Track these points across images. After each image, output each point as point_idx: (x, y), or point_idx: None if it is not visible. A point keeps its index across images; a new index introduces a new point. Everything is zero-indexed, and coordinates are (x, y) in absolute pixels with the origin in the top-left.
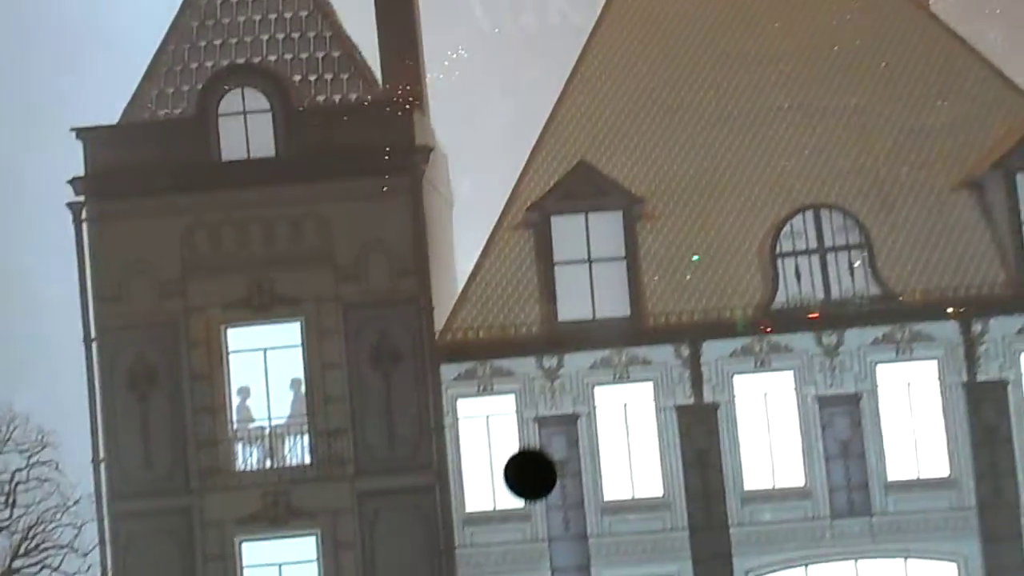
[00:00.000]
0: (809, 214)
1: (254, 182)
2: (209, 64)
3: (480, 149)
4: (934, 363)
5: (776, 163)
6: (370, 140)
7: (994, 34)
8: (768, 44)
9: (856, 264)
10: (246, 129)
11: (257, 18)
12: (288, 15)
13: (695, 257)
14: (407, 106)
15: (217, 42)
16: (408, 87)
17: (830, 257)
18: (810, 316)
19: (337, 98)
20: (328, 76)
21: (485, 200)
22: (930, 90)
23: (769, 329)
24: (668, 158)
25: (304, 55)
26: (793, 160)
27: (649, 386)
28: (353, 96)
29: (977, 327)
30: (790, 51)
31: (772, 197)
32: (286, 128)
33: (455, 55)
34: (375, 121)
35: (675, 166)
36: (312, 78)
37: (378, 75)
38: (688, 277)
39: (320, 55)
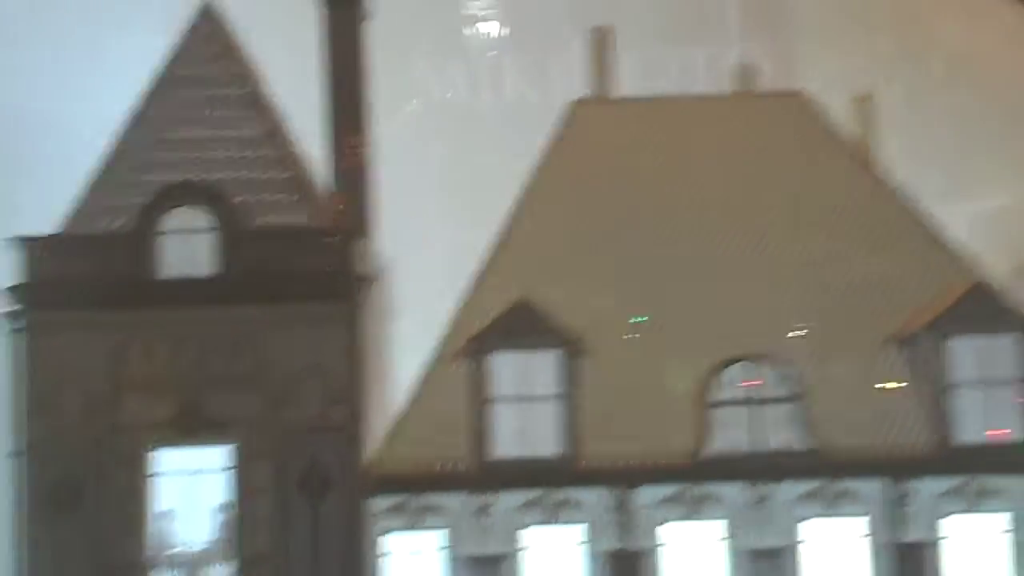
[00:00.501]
0: (743, 365)
1: (191, 301)
2: (155, 179)
3: (426, 272)
4: (861, 520)
5: (714, 309)
6: (311, 265)
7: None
8: (711, 190)
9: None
10: (187, 247)
11: (207, 135)
12: (238, 134)
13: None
14: (351, 233)
15: (163, 156)
16: (355, 213)
17: (763, 410)
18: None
19: (281, 221)
20: (274, 198)
21: (427, 325)
22: (866, 244)
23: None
24: (608, 297)
25: (251, 175)
26: (730, 307)
27: (579, 529)
28: (298, 220)
29: (904, 487)
30: (732, 198)
31: (709, 343)
32: (227, 249)
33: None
34: (318, 246)
35: (615, 306)
36: (258, 199)
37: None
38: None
39: (267, 176)
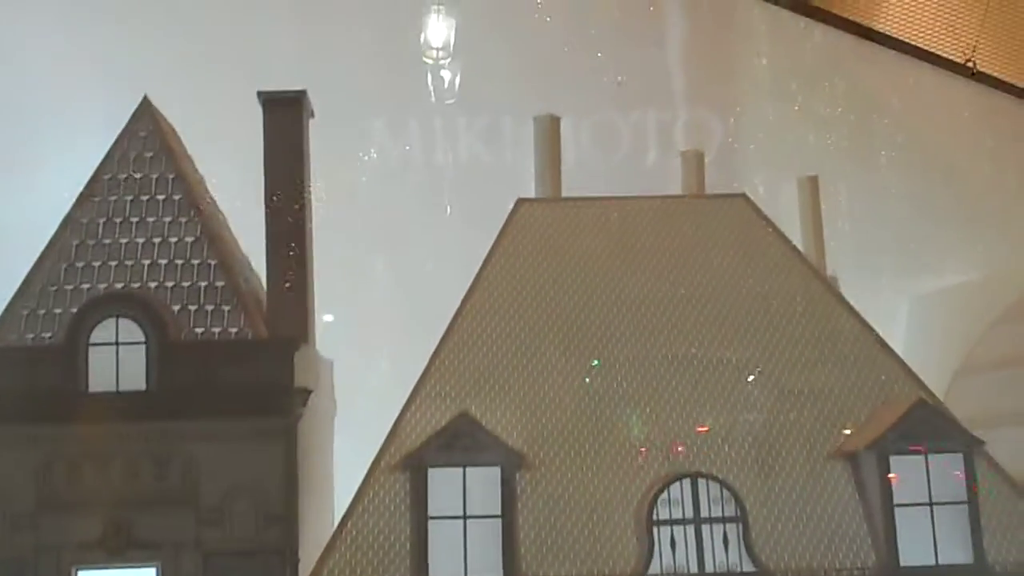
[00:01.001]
0: (687, 482)
1: (120, 417)
2: (86, 287)
3: (368, 380)
4: None
5: (658, 420)
6: (247, 378)
7: None
8: (654, 295)
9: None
10: (117, 361)
11: (141, 241)
12: (173, 240)
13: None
14: (289, 343)
15: (96, 264)
16: (294, 322)
17: (705, 529)
18: None
19: (217, 331)
20: (209, 307)
21: (369, 438)
22: (810, 352)
23: None
24: (551, 408)
25: (187, 283)
26: (674, 418)
27: None
28: (233, 330)
29: None
30: (678, 300)
31: (652, 458)
32: (159, 362)
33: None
34: (254, 358)
35: (558, 417)
36: (192, 308)
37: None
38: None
39: (203, 284)
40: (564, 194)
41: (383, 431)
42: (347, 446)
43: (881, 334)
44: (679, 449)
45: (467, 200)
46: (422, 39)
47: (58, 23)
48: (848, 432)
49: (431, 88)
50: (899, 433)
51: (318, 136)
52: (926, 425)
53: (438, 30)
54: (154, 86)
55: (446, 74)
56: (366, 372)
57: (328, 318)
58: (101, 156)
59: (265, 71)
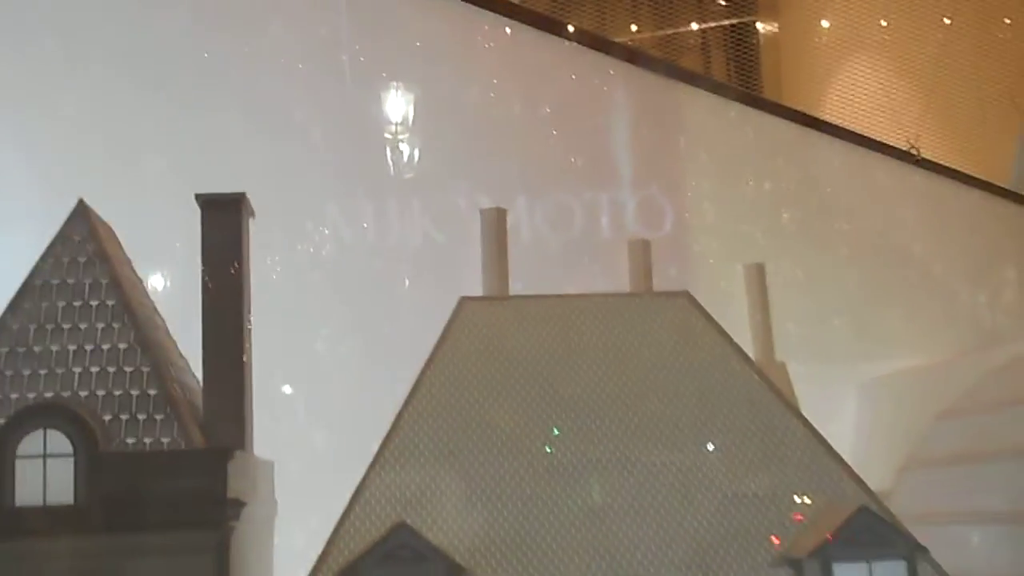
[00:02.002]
0: None
1: (49, 531)
2: (14, 396)
3: (308, 485)
4: None
5: (595, 526)
6: (178, 490)
7: None
8: (600, 391)
9: None
10: (44, 474)
11: (72, 348)
12: (106, 347)
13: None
14: (224, 453)
15: (26, 372)
16: (229, 431)
17: None
18: None
19: (148, 441)
20: (141, 416)
21: (309, 545)
22: (752, 455)
23: None
24: (493, 514)
25: (118, 392)
26: (604, 524)
27: None
28: (166, 440)
29: None
30: (620, 401)
31: (591, 565)
32: (87, 474)
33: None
34: (186, 469)
35: (499, 523)
36: (124, 417)
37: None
38: None
39: (135, 393)
40: (515, 271)
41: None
42: (292, 552)
43: (830, 422)
44: (615, 560)
45: (422, 283)
46: (382, 114)
47: None
48: (791, 539)
49: (389, 163)
50: (842, 540)
51: (269, 218)
52: (869, 532)
53: (396, 105)
54: (91, 186)
55: (404, 148)
56: (308, 476)
57: (287, 390)
58: (34, 260)
59: (208, 164)
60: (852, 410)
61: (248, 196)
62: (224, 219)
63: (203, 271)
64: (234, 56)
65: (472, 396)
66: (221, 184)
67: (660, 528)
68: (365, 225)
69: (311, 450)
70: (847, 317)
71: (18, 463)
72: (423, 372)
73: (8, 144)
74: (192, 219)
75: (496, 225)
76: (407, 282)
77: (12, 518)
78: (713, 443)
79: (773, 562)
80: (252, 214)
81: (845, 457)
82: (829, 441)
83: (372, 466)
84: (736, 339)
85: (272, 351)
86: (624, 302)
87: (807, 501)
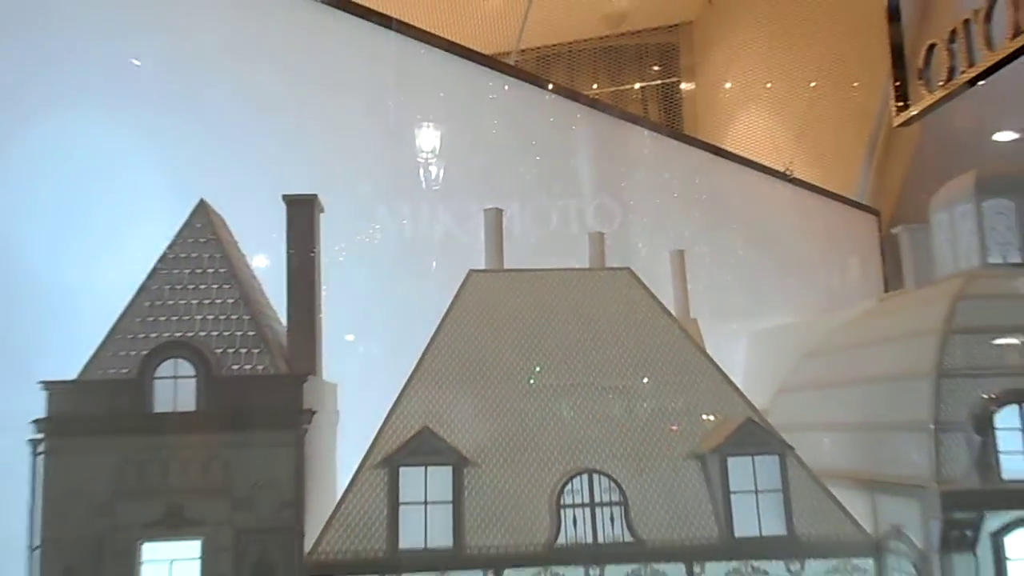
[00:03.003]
0: (584, 477)
1: (176, 431)
2: (153, 335)
3: (361, 400)
4: None
5: (563, 438)
6: (268, 401)
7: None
8: (565, 339)
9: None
10: (175, 390)
11: (194, 302)
12: (219, 301)
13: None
14: (300, 377)
15: (162, 318)
16: (305, 361)
17: (598, 510)
18: None
19: (248, 368)
20: (243, 351)
21: (359, 444)
22: (672, 384)
23: None
24: (491, 423)
25: (226, 333)
26: (574, 436)
27: None
28: (260, 367)
29: (697, 568)
30: (579, 346)
31: (559, 462)
32: (205, 391)
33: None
34: (274, 388)
35: (495, 429)
36: (231, 351)
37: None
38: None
39: (239, 334)
40: (509, 261)
41: (374, 430)
42: (349, 447)
43: (728, 361)
44: (578, 456)
45: (445, 262)
46: (416, 144)
47: (135, 135)
48: (697, 442)
49: (422, 179)
50: (733, 441)
51: (336, 215)
52: (752, 436)
53: (428, 137)
54: (208, 188)
55: (432, 168)
56: (362, 393)
57: (350, 337)
58: (167, 241)
59: (292, 174)
60: (743, 353)
61: (319, 198)
62: (303, 214)
63: (287, 251)
64: (318, 101)
65: (476, 340)
66: (301, 187)
67: (608, 433)
68: (404, 222)
69: (363, 377)
70: (741, 287)
71: (156, 382)
72: (441, 322)
73: (150, 155)
74: (281, 213)
75: (495, 222)
76: (434, 263)
77: (152, 420)
78: (647, 375)
79: (686, 456)
80: (322, 210)
81: (738, 385)
82: (727, 374)
83: (404, 389)
84: (663, 302)
85: (338, 309)
86: (585, 275)
87: (711, 416)
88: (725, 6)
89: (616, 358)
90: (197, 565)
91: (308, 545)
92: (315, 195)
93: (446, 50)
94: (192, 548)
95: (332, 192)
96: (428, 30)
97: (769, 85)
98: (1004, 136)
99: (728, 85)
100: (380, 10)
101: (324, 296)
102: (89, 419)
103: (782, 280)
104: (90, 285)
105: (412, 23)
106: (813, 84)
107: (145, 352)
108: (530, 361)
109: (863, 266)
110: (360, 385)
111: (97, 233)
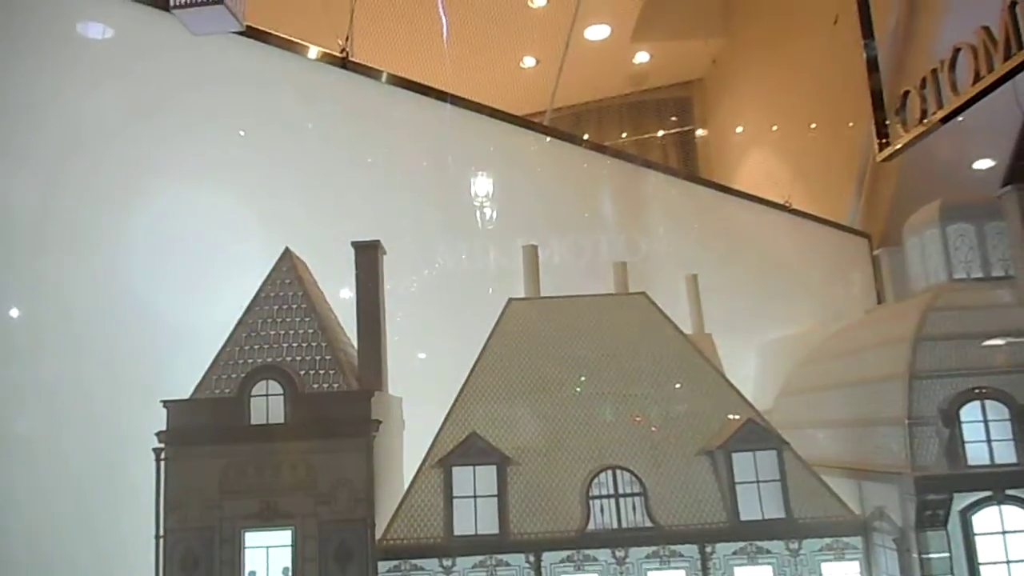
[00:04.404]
0: (609, 472)
1: (269, 440)
2: (249, 361)
3: (421, 412)
4: (682, 571)
5: (591, 434)
6: (343, 415)
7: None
8: (591, 354)
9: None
10: (267, 406)
11: (281, 333)
12: (301, 331)
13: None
14: (369, 393)
15: (256, 347)
16: (372, 379)
17: (622, 501)
18: None
19: (326, 386)
20: (321, 372)
21: (419, 449)
22: (684, 392)
23: None
24: (529, 427)
25: (308, 357)
26: (600, 433)
27: None
28: (335, 386)
29: (708, 548)
30: (604, 360)
31: (589, 460)
32: (292, 406)
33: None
34: (348, 403)
35: (533, 432)
36: (311, 372)
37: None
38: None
39: (318, 358)
40: (554, 288)
41: (431, 437)
42: (415, 451)
43: (738, 371)
44: (604, 455)
45: (500, 291)
46: (472, 191)
47: (236, 196)
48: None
49: (478, 220)
50: (737, 439)
51: (407, 253)
52: (754, 434)
53: (482, 185)
54: (291, 238)
55: (487, 211)
56: (425, 404)
57: (422, 355)
58: (259, 283)
59: (367, 224)
60: (753, 363)
61: (383, 242)
62: (368, 256)
63: (356, 288)
64: (389, 161)
65: (514, 358)
66: (368, 234)
67: (631, 434)
68: (463, 256)
69: (424, 391)
70: (751, 305)
71: (252, 400)
72: (487, 342)
73: (242, 208)
74: (350, 256)
75: (532, 256)
76: (490, 290)
77: (250, 431)
78: (658, 384)
79: (697, 453)
80: (385, 252)
81: (746, 392)
82: (735, 382)
83: (455, 401)
84: (676, 322)
85: (405, 334)
86: (610, 300)
87: (720, 418)
88: (727, 65)
89: (635, 370)
90: (289, 551)
91: (379, 533)
92: (378, 240)
93: (490, 115)
94: (285, 536)
95: (404, 235)
96: (476, 100)
97: (775, 128)
98: (982, 164)
99: (739, 129)
100: (435, 86)
101: (399, 321)
102: (199, 431)
103: (787, 297)
104: (201, 322)
105: (462, 94)
106: (813, 126)
107: (243, 375)
108: (562, 374)
109: (858, 283)
110: (421, 398)
111: (207, 280)
